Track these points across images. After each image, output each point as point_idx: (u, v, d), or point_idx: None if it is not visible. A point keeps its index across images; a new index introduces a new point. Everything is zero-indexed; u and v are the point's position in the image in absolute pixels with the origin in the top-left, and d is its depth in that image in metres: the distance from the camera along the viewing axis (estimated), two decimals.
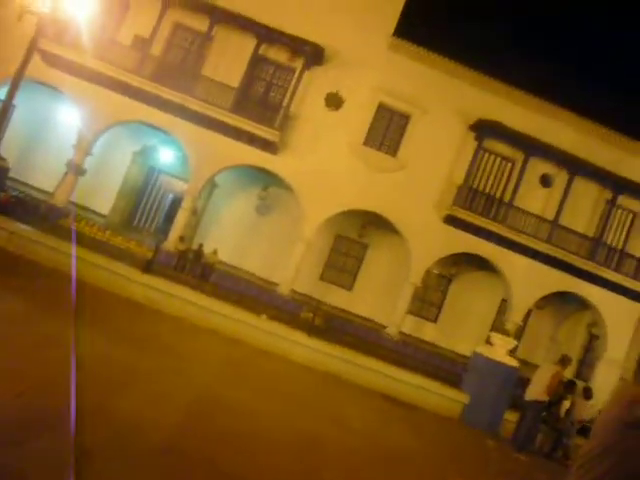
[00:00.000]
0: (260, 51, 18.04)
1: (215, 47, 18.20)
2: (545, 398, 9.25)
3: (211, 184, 19.42)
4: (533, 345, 20.57)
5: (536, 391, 9.26)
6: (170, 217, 19.63)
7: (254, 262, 19.68)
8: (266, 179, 19.34)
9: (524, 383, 10.11)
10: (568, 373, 15.43)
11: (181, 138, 18.01)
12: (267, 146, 17.86)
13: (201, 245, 18.14)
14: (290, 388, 8.20)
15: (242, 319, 10.24)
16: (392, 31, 18.42)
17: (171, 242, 17.82)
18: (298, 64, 18.13)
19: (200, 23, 17.99)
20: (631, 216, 19.52)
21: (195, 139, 17.86)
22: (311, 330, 11.17)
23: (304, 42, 17.67)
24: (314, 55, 17.89)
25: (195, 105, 17.44)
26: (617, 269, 18.60)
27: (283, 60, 18.47)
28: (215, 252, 17.95)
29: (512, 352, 11.21)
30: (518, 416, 9.80)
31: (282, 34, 17.66)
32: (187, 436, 4.80)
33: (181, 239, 17.96)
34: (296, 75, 18.09)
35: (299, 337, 10.46)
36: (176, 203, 19.68)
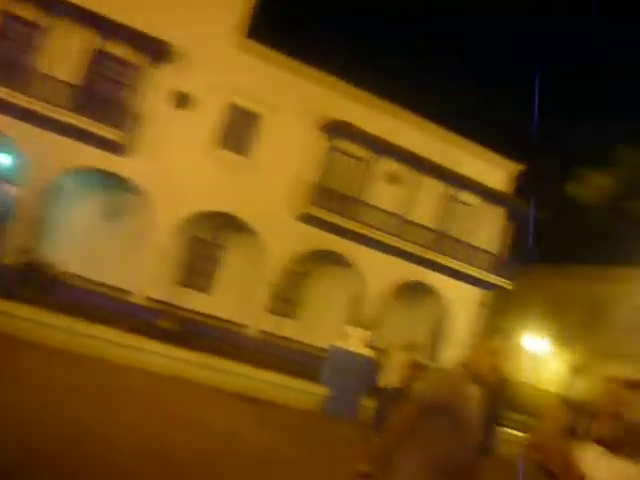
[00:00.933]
0: (103, 46, 16.94)
1: (52, 40, 16.75)
2: (398, 384, 9.70)
3: (56, 189, 17.96)
4: (387, 334, 21.59)
5: (390, 378, 9.69)
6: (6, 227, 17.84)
7: (105, 270, 18.47)
8: (115, 183, 18.27)
9: (380, 371, 10.54)
10: (421, 358, 16.39)
11: (15, 139, 16.43)
12: (114, 148, 16.90)
13: (44, 256, 16.69)
14: (145, 399, 7.80)
15: (91, 333, 9.56)
16: (242, 31, 18.35)
17: (9, 254, 16.19)
18: (144, 62, 17.36)
19: (33, 13, 16.45)
20: (469, 209, 21.26)
21: (30, 140, 16.37)
22: (168, 337, 10.76)
23: (150, 38, 16.91)
24: (160, 52, 17.21)
25: (29, 103, 15.99)
26: (459, 258, 20.14)
27: (128, 57, 17.55)
28: (60, 262, 16.61)
29: (370, 343, 11.65)
30: (374, 402, 10.20)
31: (126, 28, 16.70)
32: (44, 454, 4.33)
33: (23, 251, 16.36)
34: (141, 72, 17.32)
35: (155, 346, 10.02)
36: (11, 211, 17.92)
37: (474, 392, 3.06)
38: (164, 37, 17.05)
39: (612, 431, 3.05)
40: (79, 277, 17.67)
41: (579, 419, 3.10)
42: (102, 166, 17.16)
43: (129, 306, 16.57)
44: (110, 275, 18.26)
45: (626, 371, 3.07)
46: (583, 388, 3.42)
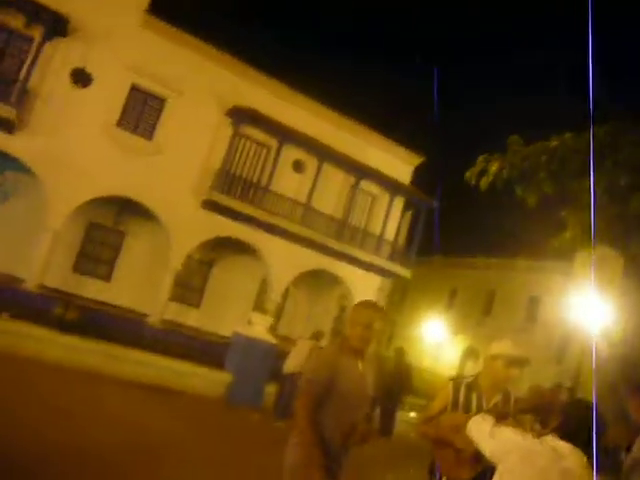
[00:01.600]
0: None
1: None
2: (299, 370, 9.89)
3: None
4: (292, 322, 21.87)
5: (294, 364, 9.86)
6: None
7: None
8: (2, 162, 17.06)
9: (284, 358, 10.69)
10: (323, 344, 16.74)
11: None
12: (1, 124, 15.76)
13: None
14: (39, 391, 7.45)
15: None
16: (145, 6, 17.64)
17: None
18: (37, 33, 16.27)
19: None
20: (371, 199, 21.88)
21: None
22: (64, 326, 10.30)
23: (43, 8, 15.85)
24: (56, 24, 16.19)
25: None
26: (361, 247, 20.71)
27: (19, 27, 16.36)
28: None
29: (273, 330, 11.78)
30: (277, 388, 10.35)
31: None
32: None
33: None
34: (35, 45, 16.23)
35: (49, 335, 9.56)
36: None
37: (352, 364, 3.13)
38: (61, 9, 16.06)
39: (498, 403, 3.38)
40: None
41: (468, 395, 3.38)
42: None
43: (22, 294, 15.59)
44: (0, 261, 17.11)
45: (508, 348, 3.39)
46: (473, 368, 3.70)
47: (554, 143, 3.98)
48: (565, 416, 2.46)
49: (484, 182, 4.11)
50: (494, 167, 4.05)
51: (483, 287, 30.89)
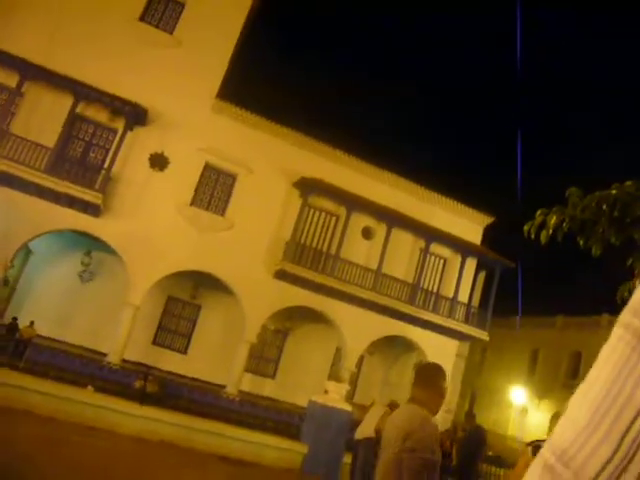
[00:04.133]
0: (78, 110, 17.27)
1: (27, 104, 17.02)
2: (373, 435, 9.61)
3: (25, 251, 17.88)
4: (368, 389, 21.44)
5: (366, 430, 9.62)
6: None
7: (79, 333, 18.22)
8: (89, 243, 18.29)
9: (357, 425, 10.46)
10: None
11: None
12: (88, 209, 16.97)
13: (15, 319, 16.42)
14: (119, 464, 7.64)
15: (62, 395, 9.40)
16: (215, 93, 18.89)
17: None
18: (119, 124, 17.70)
19: (8, 77, 16.74)
20: (443, 261, 21.61)
21: (5, 202, 16.38)
22: (143, 398, 10.59)
23: (125, 102, 17.33)
24: (136, 115, 17.61)
25: (1, 165, 16.07)
26: (434, 310, 20.31)
27: (103, 120, 17.89)
28: (31, 325, 16.37)
29: (349, 398, 11.60)
30: (352, 457, 10.07)
31: (101, 93, 17.10)
32: None
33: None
34: (118, 136, 17.61)
35: (130, 407, 9.86)
36: None
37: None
38: (140, 100, 17.47)
39: None
40: (53, 340, 17.38)
41: None
42: (78, 227, 17.19)
43: (105, 368, 16.24)
44: (84, 336, 18.03)
45: None
46: None
47: (614, 191, 3.91)
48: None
49: (544, 235, 4.05)
50: (553, 219, 4.00)
51: (566, 348, 29.29)
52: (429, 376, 3.19)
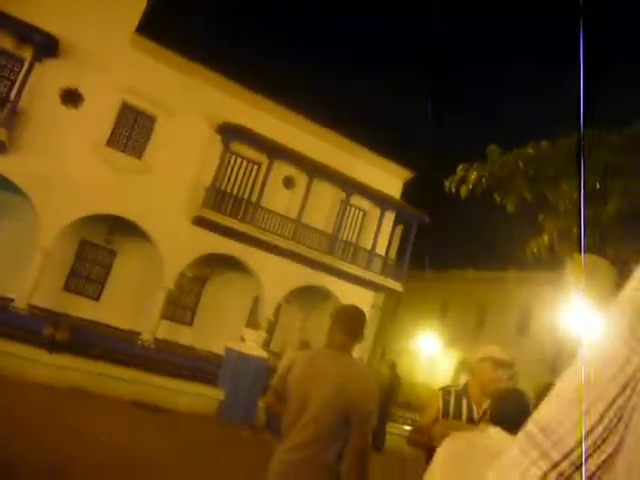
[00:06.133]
0: None
1: None
2: None
3: None
4: (284, 337, 21.81)
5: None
6: None
7: None
8: None
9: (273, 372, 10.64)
10: None
11: None
12: None
13: None
14: (28, 411, 7.39)
15: None
16: (134, 27, 17.80)
17: None
18: (27, 54, 16.37)
19: None
20: (362, 214, 21.97)
21: None
22: (53, 346, 10.23)
23: (33, 29, 15.95)
24: (46, 45, 16.30)
25: None
26: (352, 261, 20.75)
27: (8, 47, 16.47)
28: None
29: (265, 345, 11.74)
30: None
31: (5, 16, 15.66)
32: None
33: None
34: (25, 66, 16.32)
35: (38, 354, 9.51)
36: None
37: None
38: (50, 29, 16.19)
39: (488, 409, 3.38)
40: None
41: (458, 403, 3.40)
42: None
43: (11, 314, 15.50)
44: None
45: (494, 351, 3.44)
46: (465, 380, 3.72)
47: (530, 150, 4.06)
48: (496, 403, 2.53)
49: (464, 190, 4.18)
50: (473, 175, 4.12)
51: (474, 300, 30.94)
52: (351, 320, 3.01)
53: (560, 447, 0.57)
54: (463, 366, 29.13)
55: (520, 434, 0.63)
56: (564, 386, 0.62)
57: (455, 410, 3.38)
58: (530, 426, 0.62)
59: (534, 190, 4.08)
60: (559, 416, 0.59)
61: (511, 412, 2.34)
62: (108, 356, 11.25)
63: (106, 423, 7.85)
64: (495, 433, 2.34)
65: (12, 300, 16.44)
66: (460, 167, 4.24)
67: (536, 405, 0.64)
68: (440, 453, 2.47)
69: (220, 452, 8.25)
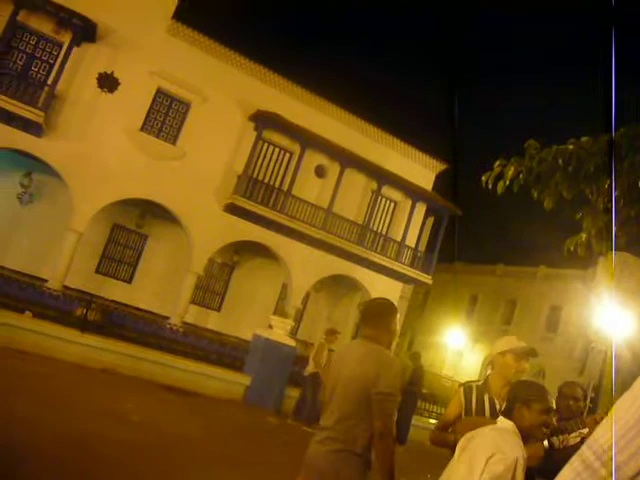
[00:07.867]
0: (19, 18, 16.00)
1: None
2: (315, 369, 9.88)
3: None
4: (312, 326, 21.87)
5: (311, 366, 9.88)
6: None
7: (18, 257, 17.56)
8: (29, 164, 17.40)
9: (305, 362, 10.70)
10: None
11: None
12: (29, 127, 16.05)
13: None
14: (60, 389, 7.57)
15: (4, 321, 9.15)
16: (172, 13, 17.88)
17: None
18: (66, 38, 16.59)
19: None
20: (393, 205, 21.82)
21: None
22: (85, 326, 10.46)
23: (72, 13, 16.13)
24: (84, 30, 16.49)
25: None
26: (382, 252, 20.65)
27: (48, 32, 16.71)
28: None
29: (293, 333, 11.81)
30: (300, 392, 10.35)
31: (46, 2, 15.87)
32: None
33: None
34: (63, 50, 16.56)
35: (71, 334, 9.73)
36: None
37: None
38: (89, 14, 16.36)
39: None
40: None
41: (480, 398, 3.36)
42: (18, 146, 16.30)
43: (45, 294, 15.87)
44: (23, 262, 17.44)
45: (514, 342, 3.40)
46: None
47: (570, 146, 3.95)
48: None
49: (500, 186, 4.09)
50: (510, 171, 4.03)
51: (503, 295, 30.55)
52: (379, 313, 3.04)
53: (617, 475, 0.55)
54: (488, 360, 28.83)
55: (575, 458, 0.60)
56: (625, 412, 0.59)
57: (478, 406, 3.34)
58: (587, 452, 0.60)
59: (573, 187, 3.97)
60: (618, 445, 0.56)
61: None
62: (138, 338, 11.46)
63: (136, 404, 7.99)
64: (502, 422, 2.47)
65: (46, 281, 16.82)
66: (497, 162, 4.15)
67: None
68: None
69: (247, 435, 8.33)
